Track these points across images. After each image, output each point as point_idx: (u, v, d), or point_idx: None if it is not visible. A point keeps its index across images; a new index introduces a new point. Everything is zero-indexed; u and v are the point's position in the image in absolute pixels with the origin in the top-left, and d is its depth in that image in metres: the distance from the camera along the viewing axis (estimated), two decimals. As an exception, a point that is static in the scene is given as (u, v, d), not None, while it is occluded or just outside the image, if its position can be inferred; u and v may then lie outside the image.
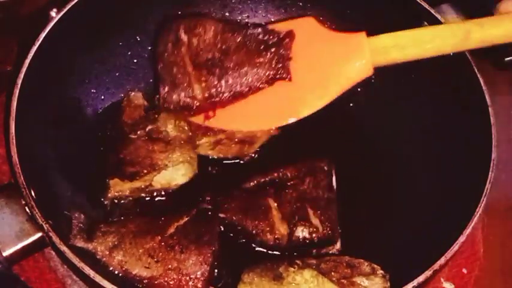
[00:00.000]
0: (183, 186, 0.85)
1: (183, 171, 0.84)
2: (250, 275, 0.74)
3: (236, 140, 0.89)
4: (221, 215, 0.82)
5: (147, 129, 0.85)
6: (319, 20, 0.87)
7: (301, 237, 0.80)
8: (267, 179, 0.85)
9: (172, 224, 0.77)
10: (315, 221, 0.81)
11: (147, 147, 0.84)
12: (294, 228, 0.81)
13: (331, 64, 0.82)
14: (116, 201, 0.83)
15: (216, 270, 0.77)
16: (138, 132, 0.85)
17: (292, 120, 0.87)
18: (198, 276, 0.74)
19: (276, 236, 0.80)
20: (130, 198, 0.83)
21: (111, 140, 0.87)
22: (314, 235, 0.80)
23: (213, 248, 0.76)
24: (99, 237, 0.74)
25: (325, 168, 0.85)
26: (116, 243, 0.74)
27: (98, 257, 0.73)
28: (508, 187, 0.92)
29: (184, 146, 0.85)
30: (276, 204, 0.82)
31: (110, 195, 0.82)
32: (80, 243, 0.73)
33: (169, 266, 0.73)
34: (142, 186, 0.83)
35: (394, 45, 0.78)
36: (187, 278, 0.74)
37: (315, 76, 0.83)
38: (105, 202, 0.82)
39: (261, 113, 0.87)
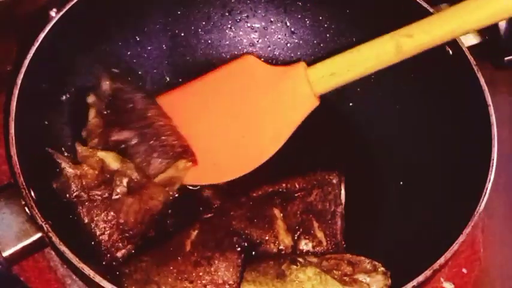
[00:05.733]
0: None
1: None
2: (253, 274, 0.74)
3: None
4: (228, 222, 0.82)
5: (125, 184, 0.80)
6: (257, 57, 0.86)
7: (304, 250, 0.80)
8: (275, 188, 0.85)
9: (185, 242, 0.77)
10: (320, 234, 0.81)
11: (138, 202, 0.80)
12: (298, 241, 0.81)
13: (277, 101, 0.81)
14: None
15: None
16: (118, 190, 0.79)
17: (250, 169, 0.84)
18: (234, 279, 0.74)
19: (279, 247, 0.80)
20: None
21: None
22: (318, 248, 0.80)
23: (238, 249, 0.77)
24: (127, 280, 0.74)
25: (334, 181, 0.84)
26: (145, 278, 0.74)
27: None
28: (508, 187, 0.92)
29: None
30: (281, 214, 0.82)
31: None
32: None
33: (204, 282, 0.74)
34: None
35: (331, 73, 0.78)
36: (226, 285, 0.74)
37: (264, 117, 0.82)
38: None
39: (217, 166, 0.86)
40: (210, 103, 0.85)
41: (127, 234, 0.78)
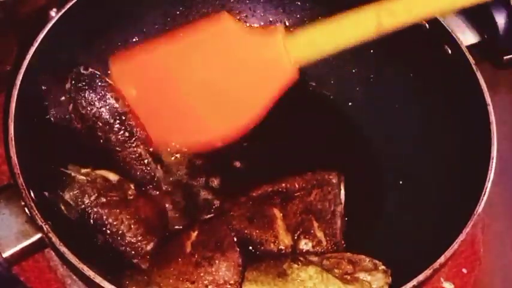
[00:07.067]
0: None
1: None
2: (254, 273, 0.74)
3: None
4: (227, 222, 0.82)
5: (132, 187, 0.80)
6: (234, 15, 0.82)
7: (304, 249, 0.80)
8: (274, 188, 0.85)
9: (186, 243, 0.77)
10: (320, 233, 0.81)
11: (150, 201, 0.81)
12: (298, 241, 0.81)
13: (252, 67, 0.77)
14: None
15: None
16: (130, 192, 0.80)
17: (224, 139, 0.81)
18: (235, 279, 0.74)
19: (279, 247, 0.80)
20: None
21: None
22: (317, 248, 0.80)
23: (238, 248, 0.77)
24: (128, 281, 0.74)
25: (334, 181, 0.84)
26: (146, 280, 0.74)
27: None
28: (508, 187, 0.92)
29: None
30: (281, 214, 0.82)
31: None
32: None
33: (206, 282, 0.74)
34: None
35: (309, 41, 0.75)
36: (227, 285, 0.74)
37: (238, 84, 0.78)
38: None
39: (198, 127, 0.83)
40: (182, 66, 0.80)
41: (151, 228, 0.78)
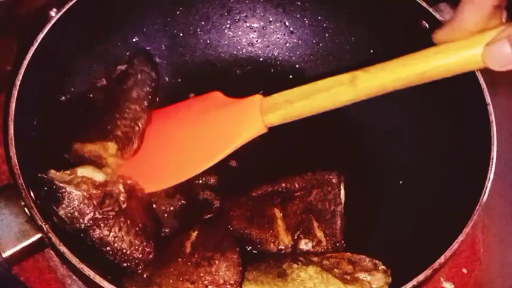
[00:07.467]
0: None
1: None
2: (254, 273, 0.74)
3: None
4: (227, 222, 0.82)
5: (121, 188, 0.77)
6: (224, 94, 0.88)
7: (304, 249, 0.80)
8: (274, 188, 0.85)
9: (186, 243, 0.77)
10: (320, 233, 0.81)
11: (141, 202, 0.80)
12: (298, 241, 0.81)
13: (225, 125, 0.84)
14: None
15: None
16: (122, 198, 0.77)
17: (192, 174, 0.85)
18: (235, 279, 0.74)
19: (279, 247, 0.81)
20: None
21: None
22: (317, 248, 0.80)
23: (237, 248, 0.77)
24: (128, 281, 0.74)
25: (333, 180, 0.84)
26: (146, 280, 0.74)
27: None
28: (508, 187, 0.92)
29: None
30: (281, 214, 0.82)
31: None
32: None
33: (206, 282, 0.74)
34: None
35: (284, 100, 0.77)
36: (227, 285, 0.74)
37: (214, 136, 0.84)
38: None
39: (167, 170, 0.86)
40: (175, 123, 0.89)
41: (149, 234, 0.77)
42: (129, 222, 0.75)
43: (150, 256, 0.76)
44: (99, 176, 0.76)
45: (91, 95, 0.87)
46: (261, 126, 0.80)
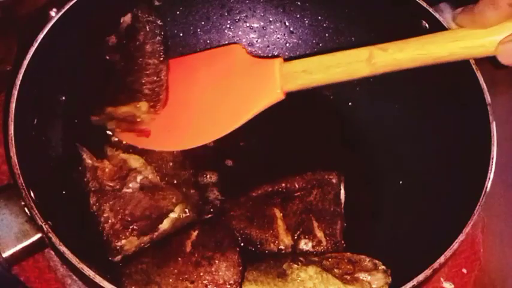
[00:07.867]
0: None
1: (185, 206, 0.84)
2: (254, 273, 0.74)
3: None
4: (227, 222, 0.82)
5: (138, 181, 0.82)
6: (244, 48, 0.89)
7: (304, 249, 0.80)
8: (274, 188, 0.85)
9: (186, 242, 0.77)
10: (319, 233, 0.81)
11: (148, 199, 0.81)
12: (298, 241, 0.81)
13: (244, 88, 0.85)
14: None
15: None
16: (130, 185, 0.82)
17: (205, 141, 0.87)
18: (235, 279, 0.75)
19: (279, 247, 0.81)
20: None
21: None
22: (317, 248, 0.80)
23: (238, 248, 0.77)
24: (127, 280, 0.74)
25: (334, 181, 0.85)
26: (146, 279, 0.74)
27: None
28: (508, 187, 0.92)
29: (172, 184, 0.85)
30: (281, 214, 0.82)
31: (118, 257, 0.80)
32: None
33: (205, 282, 0.74)
34: (152, 238, 0.81)
35: (303, 70, 0.79)
36: (226, 285, 0.74)
37: (229, 99, 0.86)
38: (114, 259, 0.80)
39: (178, 134, 0.88)
40: (195, 76, 0.90)
41: (131, 227, 0.78)
42: (118, 204, 0.79)
43: (118, 243, 0.78)
44: (134, 164, 0.84)
45: (107, 57, 0.88)
46: (279, 93, 0.81)
